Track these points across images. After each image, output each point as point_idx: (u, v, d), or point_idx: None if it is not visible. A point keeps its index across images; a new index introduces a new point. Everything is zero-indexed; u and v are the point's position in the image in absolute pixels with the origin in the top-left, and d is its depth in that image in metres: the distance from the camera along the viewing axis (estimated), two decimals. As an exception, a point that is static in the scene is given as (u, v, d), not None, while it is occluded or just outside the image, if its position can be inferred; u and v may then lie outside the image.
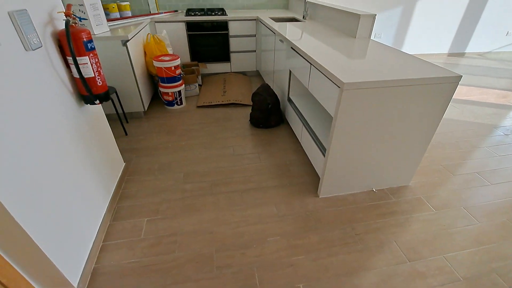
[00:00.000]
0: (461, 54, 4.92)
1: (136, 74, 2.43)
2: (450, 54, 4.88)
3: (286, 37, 2.16)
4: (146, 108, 2.67)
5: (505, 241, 1.49)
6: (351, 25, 2.20)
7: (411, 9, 4.22)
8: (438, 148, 2.27)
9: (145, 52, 2.79)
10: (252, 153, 2.18)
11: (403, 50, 4.63)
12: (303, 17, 3.07)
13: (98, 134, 1.59)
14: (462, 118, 2.76)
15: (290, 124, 2.39)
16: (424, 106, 1.47)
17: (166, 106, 2.90)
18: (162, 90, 2.77)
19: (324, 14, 2.71)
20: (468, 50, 4.92)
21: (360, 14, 2.06)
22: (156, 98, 3.07)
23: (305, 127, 1.98)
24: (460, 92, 3.35)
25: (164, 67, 2.62)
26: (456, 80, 1.40)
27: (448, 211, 1.68)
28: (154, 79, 2.99)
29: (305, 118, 2.06)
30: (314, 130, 1.91)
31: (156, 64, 2.63)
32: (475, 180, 1.94)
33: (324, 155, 1.65)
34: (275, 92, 2.74)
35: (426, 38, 4.60)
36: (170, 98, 2.81)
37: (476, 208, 1.70)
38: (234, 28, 3.28)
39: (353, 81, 1.28)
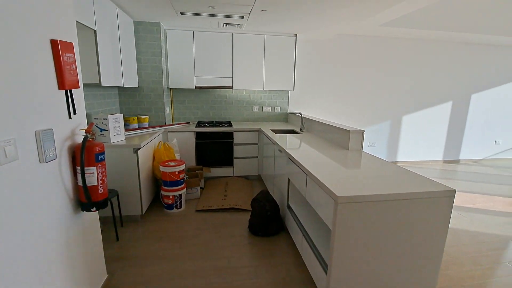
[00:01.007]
0: (457, 161, 5.13)
1: (140, 178, 2.53)
2: (445, 161, 5.09)
3: (285, 148, 2.34)
4: (144, 212, 2.64)
5: None
6: (343, 138, 2.42)
7: (398, 122, 4.72)
8: (455, 265, 2.04)
9: (154, 157, 3.01)
10: (249, 266, 1.99)
11: (398, 157, 4.88)
12: (301, 130, 3.42)
13: (86, 243, 1.52)
14: (473, 228, 2.61)
15: (290, 233, 2.28)
16: (425, 220, 1.42)
17: (165, 210, 2.87)
18: (163, 193, 2.82)
19: (319, 128, 3.02)
20: (462, 157, 5.16)
21: (350, 130, 2.30)
22: (157, 201, 3.09)
23: (305, 238, 1.87)
24: (465, 200, 3.30)
25: (169, 172, 2.76)
26: (450, 194, 1.41)
27: None
28: (158, 182, 3.09)
29: (305, 228, 1.98)
30: (314, 242, 1.79)
31: (162, 169, 2.78)
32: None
33: (326, 273, 1.49)
34: (275, 199, 2.75)
35: (419, 146, 4.92)
36: (170, 201, 2.82)
37: None
38: (238, 137, 3.62)
39: (346, 194, 1.30)
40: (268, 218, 2.35)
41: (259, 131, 3.63)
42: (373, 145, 4.71)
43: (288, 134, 3.12)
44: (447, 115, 4.88)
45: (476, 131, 5.08)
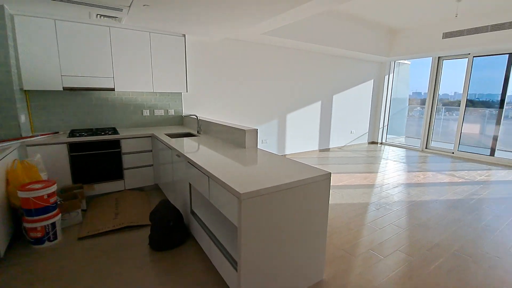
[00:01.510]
0: (328, 149, 6.32)
1: (-16, 213, 1.85)
2: (320, 150, 6.18)
3: (183, 152, 2.24)
4: (3, 254, 1.96)
5: (413, 316, 1.58)
6: (239, 138, 2.53)
7: (283, 120, 5.37)
8: (335, 234, 2.51)
9: (7, 180, 2.27)
10: (155, 285, 1.80)
11: (286, 150, 5.57)
12: (198, 132, 3.37)
13: None
14: (343, 201, 3.27)
15: (197, 239, 2.20)
16: (312, 201, 1.67)
17: (33, 246, 2.22)
18: (27, 225, 2.17)
19: (216, 129, 3.05)
20: (331, 145, 6.40)
21: (245, 130, 2.43)
22: (20, 236, 2.34)
23: (213, 241, 1.85)
24: (336, 180, 4.10)
25: (33, 197, 2.14)
26: (327, 176, 1.71)
27: (362, 298, 1.72)
28: (18, 213, 2.36)
29: (211, 231, 1.96)
30: (222, 242, 1.80)
31: (22, 194, 2.13)
32: (371, 257, 2.15)
33: (236, 270, 1.52)
34: (177, 207, 2.60)
35: (301, 140, 5.77)
36: (40, 234, 2.20)
37: (382, 286, 1.82)
38: (127, 146, 3.21)
39: (248, 190, 1.36)
40: (171, 229, 2.19)
41: (152, 136, 3.34)
42: (266, 142, 5.19)
43: (185, 138, 3.00)
44: (318, 112, 5.93)
45: (338, 124, 6.41)
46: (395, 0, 4.24)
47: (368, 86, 6.84)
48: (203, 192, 1.88)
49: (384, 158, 5.64)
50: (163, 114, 4.01)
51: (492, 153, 5.58)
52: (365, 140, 7.20)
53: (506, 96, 5.40)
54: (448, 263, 2.09)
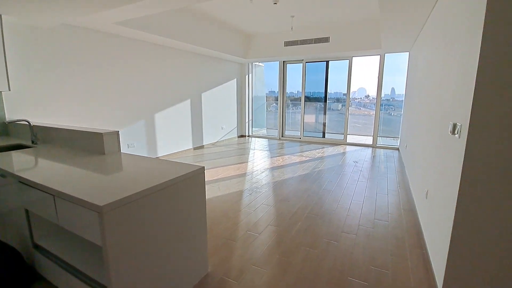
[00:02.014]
0: (202, 147, 6.42)
1: None
2: (195, 148, 6.20)
3: (11, 170, 1.66)
4: None
5: (288, 274, 1.89)
6: (96, 143, 2.14)
7: (152, 120, 5.00)
8: (215, 225, 2.61)
9: None
10: None
11: (159, 153, 5.24)
12: (33, 142, 2.59)
13: None
14: (221, 193, 3.44)
15: (49, 279, 1.72)
16: (188, 197, 1.65)
17: None
18: None
19: (62, 136, 2.45)
20: (205, 142, 6.55)
21: (102, 133, 2.08)
22: None
23: (72, 274, 1.50)
24: (212, 174, 4.24)
25: None
26: (201, 171, 1.73)
27: (246, 275, 1.88)
28: None
29: (68, 262, 1.58)
30: (85, 272, 1.49)
31: None
32: (249, 237, 2.39)
33: (108, 296, 1.30)
34: (12, 244, 1.93)
35: (174, 140, 5.57)
36: None
37: (259, 260, 2.05)
38: None
39: (111, 201, 1.18)
40: (2, 279, 1.60)
41: (-52, 156, 2.28)
42: (133, 146, 4.67)
43: (13, 151, 2.24)
44: (189, 110, 5.91)
45: (209, 121, 6.63)
46: (247, 9, 4.77)
47: (232, 85, 7.42)
48: (48, 216, 1.47)
49: (252, 149, 6.33)
50: (-33, 122, 2.82)
51: (324, 135, 7.40)
52: (235, 134, 7.82)
53: (328, 93, 7.27)
54: (304, 224, 2.62)
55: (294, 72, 7.63)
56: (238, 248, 2.22)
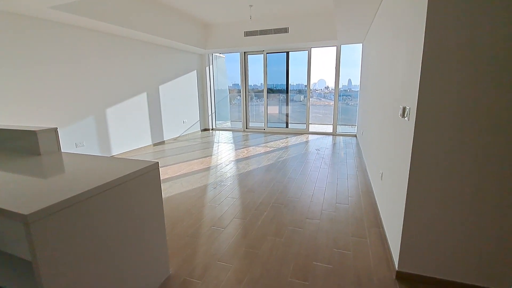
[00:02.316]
0: (163, 142, 6.10)
1: None
2: (155, 144, 5.86)
3: None
4: None
5: (254, 266, 1.85)
6: (29, 143, 1.86)
7: (103, 115, 4.58)
8: (178, 223, 2.48)
9: None
10: None
11: (113, 151, 4.84)
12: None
13: None
14: (183, 189, 3.29)
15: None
16: (141, 197, 1.51)
17: None
18: None
19: (-14, 137, 2.09)
20: (166, 138, 6.23)
21: (36, 131, 1.81)
22: None
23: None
24: (174, 171, 4.04)
25: None
26: (155, 166, 1.59)
27: (210, 273, 1.81)
28: None
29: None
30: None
31: None
32: (214, 232, 2.30)
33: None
34: None
35: (130, 136, 5.19)
36: None
37: (225, 255, 1.99)
38: None
39: (40, 208, 1.00)
40: None
41: None
42: (82, 145, 4.24)
43: None
44: (145, 104, 5.54)
45: (169, 115, 6.30)
46: (201, -6, 4.55)
47: (192, 77, 7.12)
48: (-35, 231, 1.23)
49: (216, 142, 6.19)
50: None
51: (287, 126, 7.51)
52: (198, 128, 7.57)
53: (289, 85, 7.35)
54: (270, 214, 2.61)
55: (256, 64, 7.57)
56: (202, 245, 2.13)
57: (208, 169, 4.11)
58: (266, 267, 1.86)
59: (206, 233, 2.30)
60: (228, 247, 2.10)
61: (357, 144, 5.63)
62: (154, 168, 1.59)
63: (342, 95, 9.19)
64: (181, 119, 6.76)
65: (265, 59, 7.08)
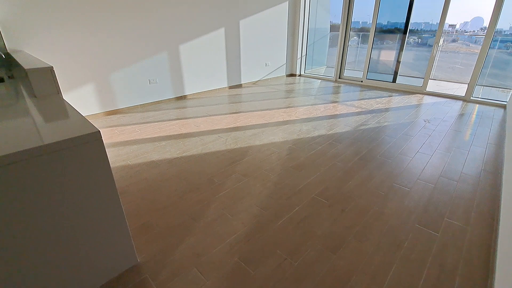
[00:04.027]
0: (240, 85, 5.71)
1: None
2: (230, 87, 5.54)
3: None
4: None
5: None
6: (27, 83, 1.70)
7: (176, 52, 4.42)
8: (146, 200, 2.10)
9: None
10: None
11: (186, 91, 4.77)
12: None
13: None
14: (223, 147, 2.84)
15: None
16: (80, 173, 1.10)
17: None
18: None
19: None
20: (244, 81, 5.79)
21: (26, 69, 1.59)
22: None
23: None
24: (229, 121, 3.62)
25: None
26: (95, 137, 1.11)
27: (180, 278, 1.38)
28: None
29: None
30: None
31: None
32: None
33: None
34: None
35: (205, 76, 4.98)
36: None
37: (207, 264, 1.50)
38: None
39: None
40: None
41: None
42: (155, 82, 4.29)
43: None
44: (223, 42, 5.06)
45: (250, 55, 5.68)
46: None
47: (283, 10, 6.00)
48: None
49: (296, 91, 5.31)
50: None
51: (394, 79, 5.67)
52: (283, 72, 6.73)
53: (409, 22, 5.23)
54: (300, 214, 1.88)
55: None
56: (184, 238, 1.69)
57: (266, 125, 3.48)
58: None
59: (176, 224, 1.84)
60: (217, 250, 1.58)
61: (503, 120, 3.64)
62: (94, 139, 1.11)
63: (503, 40, 6.11)
64: (263, 61, 6.05)
65: (382, -17, 5.10)
